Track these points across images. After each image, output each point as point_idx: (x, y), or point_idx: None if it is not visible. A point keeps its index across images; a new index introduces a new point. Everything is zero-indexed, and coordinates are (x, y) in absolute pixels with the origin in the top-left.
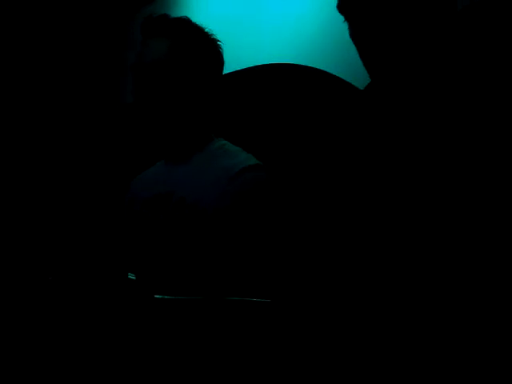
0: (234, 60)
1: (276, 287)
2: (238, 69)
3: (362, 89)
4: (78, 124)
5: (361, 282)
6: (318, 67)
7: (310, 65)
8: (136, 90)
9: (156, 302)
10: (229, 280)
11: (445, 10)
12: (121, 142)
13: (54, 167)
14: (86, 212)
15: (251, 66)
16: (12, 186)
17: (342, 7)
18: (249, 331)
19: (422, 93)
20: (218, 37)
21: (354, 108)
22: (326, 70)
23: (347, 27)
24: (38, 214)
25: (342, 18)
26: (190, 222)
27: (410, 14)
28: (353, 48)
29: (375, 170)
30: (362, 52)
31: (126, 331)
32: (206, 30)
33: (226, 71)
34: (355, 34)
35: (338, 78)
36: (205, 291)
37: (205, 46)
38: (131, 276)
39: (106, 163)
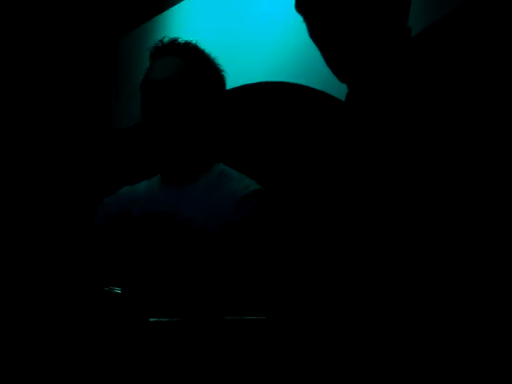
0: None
1: (272, 304)
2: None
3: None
4: (69, 149)
5: (360, 302)
6: (304, 84)
7: (295, 81)
8: (148, 107)
9: (151, 325)
10: (228, 300)
11: (402, 11)
12: (111, 166)
13: (43, 190)
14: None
15: (237, 86)
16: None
17: (299, 7)
18: (245, 349)
19: (392, 92)
20: None
21: (339, 119)
22: (313, 86)
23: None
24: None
25: None
26: (193, 244)
27: (368, 10)
28: None
29: (369, 175)
30: (323, 51)
31: (119, 352)
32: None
33: None
34: (314, 33)
35: (324, 93)
36: (202, 312)
37: (212, 67)
38: (116, 290)
39: (95, 185)
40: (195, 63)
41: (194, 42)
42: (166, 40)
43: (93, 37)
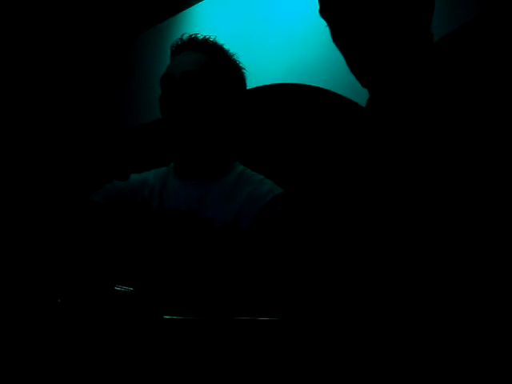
0: None
1: (285, 305)
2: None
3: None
4: (84, 147)
5: (378, 306)
6: (323, 87)
7: (315, 84)
8: (168, 102)
9: (165, 323)
10: (244, 298)
11: (425, 16)
12: (120, 167)
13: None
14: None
15: (255, 86)
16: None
17: (323, 11)
18: (258, 350)
19: (414, 99)
20: None
21: (359, 125)
22: (331, 89)
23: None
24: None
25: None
26: (216, 244)
27: (392, 15)
28: None
29: (389, 182)
30: (347, 55)
31: (131, 349)
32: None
33: None
34: (338, 38)
35: (344, 97)
36: (217, 311)
37: (232, 63)
38: (128, 289)
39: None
40: (215, 58)
41: (213, 38)
42: (185, 36)
43: (111, 35)
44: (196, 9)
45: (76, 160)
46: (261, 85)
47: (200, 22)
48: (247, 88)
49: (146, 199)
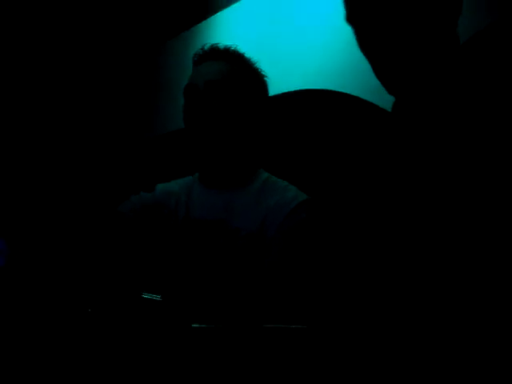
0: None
1: (313, 313)
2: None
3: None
4: (110, 155)
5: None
6: (346, 92)
7: (341, 90)
8: (191, 111)
9: (193, 331)
10: (270, 308)
11: (452, 20)
12: (148, 175)
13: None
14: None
15: (282, 92)
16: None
17: (351, 18)
18: (286, 358)
19: (440, 106)
20: None
21: (384, 130)
22: (354, 94)
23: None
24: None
25: None
26: (242, 252)
27: (420, 22)
28: None
29: (415, 188)
30: (373, 62)
31: (159, 357)
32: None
33: None
34: (365, 45)
35: (367, 101)
36: (245, 319)
37: (254, 71)
38: (156, 297)
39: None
40: (236, 66)
41: (234, 47)
42: (206, 46)
43: (136, 43)
44: (219, 16)
45: (102, 167)
46: (285, 91)
47: (223, 30)
48: (271, 95)
49: (173, 210)
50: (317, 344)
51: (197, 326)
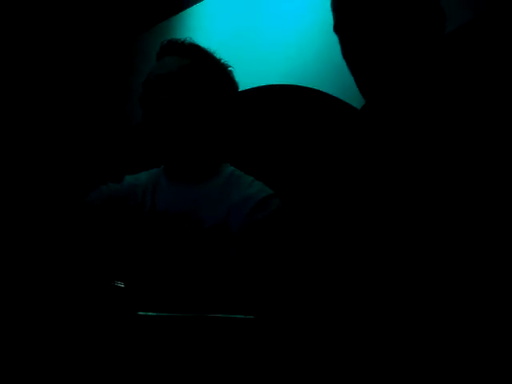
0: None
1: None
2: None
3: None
4: (83, 147)
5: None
6: (317, 88)
7: (308, 86)
8: (145, 104)
9: (139, 319)
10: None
11: (437, 28)
12: (127, 164)
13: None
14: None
15: (250, 87)
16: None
17: (338, 28)
18: (232, 349)
19: (417, 110)
20: None
21: (352, 128)
22: (325, 90)
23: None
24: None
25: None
26: (206, 244)
27: (408, 38)
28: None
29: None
30: (356, 72)
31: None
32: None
33: None
34: (349, 54)
35: (336, 98)
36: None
37: (215, 65)
38: (120, 284)
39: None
40: (196, 61)
41: (189, 40)
42: (165, 42)
43: (110, 35)
44: (194, 10)
45: (77, 158)
46: (256, 86)
47: (199, 23)
48: (243, 89)
49: (139, 201)
50: (263, 334)
51: (142, 313)
